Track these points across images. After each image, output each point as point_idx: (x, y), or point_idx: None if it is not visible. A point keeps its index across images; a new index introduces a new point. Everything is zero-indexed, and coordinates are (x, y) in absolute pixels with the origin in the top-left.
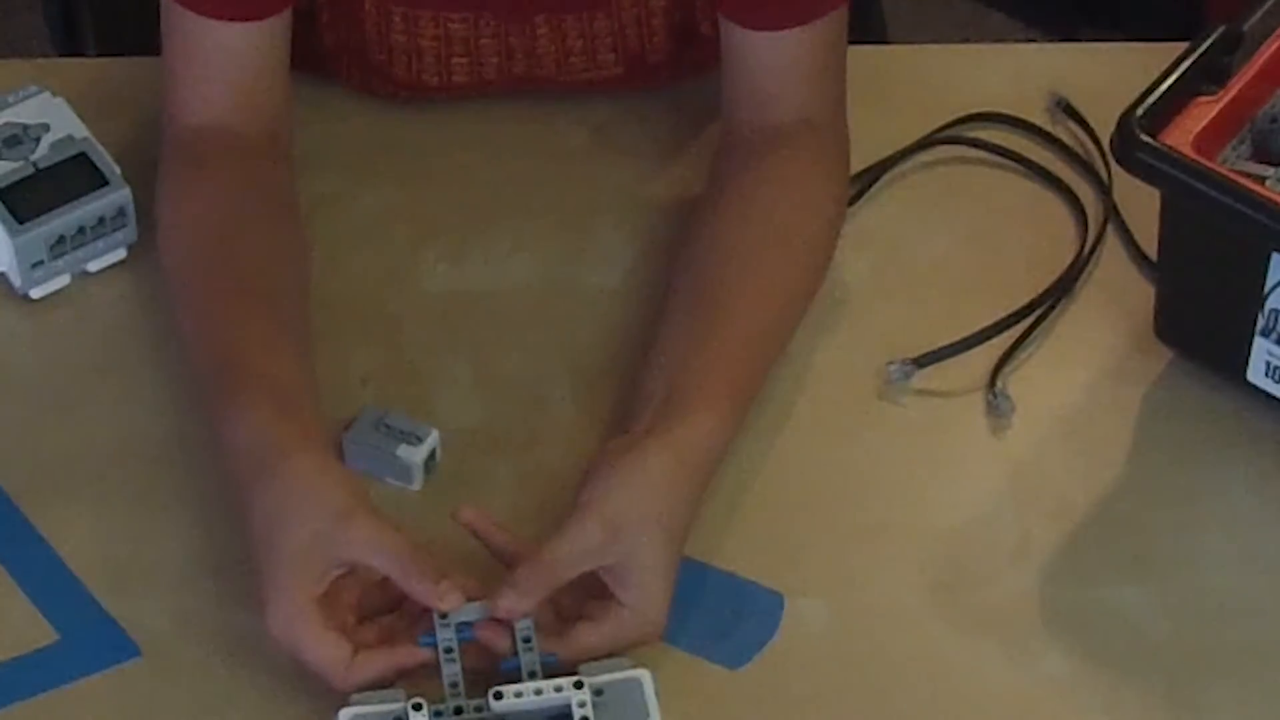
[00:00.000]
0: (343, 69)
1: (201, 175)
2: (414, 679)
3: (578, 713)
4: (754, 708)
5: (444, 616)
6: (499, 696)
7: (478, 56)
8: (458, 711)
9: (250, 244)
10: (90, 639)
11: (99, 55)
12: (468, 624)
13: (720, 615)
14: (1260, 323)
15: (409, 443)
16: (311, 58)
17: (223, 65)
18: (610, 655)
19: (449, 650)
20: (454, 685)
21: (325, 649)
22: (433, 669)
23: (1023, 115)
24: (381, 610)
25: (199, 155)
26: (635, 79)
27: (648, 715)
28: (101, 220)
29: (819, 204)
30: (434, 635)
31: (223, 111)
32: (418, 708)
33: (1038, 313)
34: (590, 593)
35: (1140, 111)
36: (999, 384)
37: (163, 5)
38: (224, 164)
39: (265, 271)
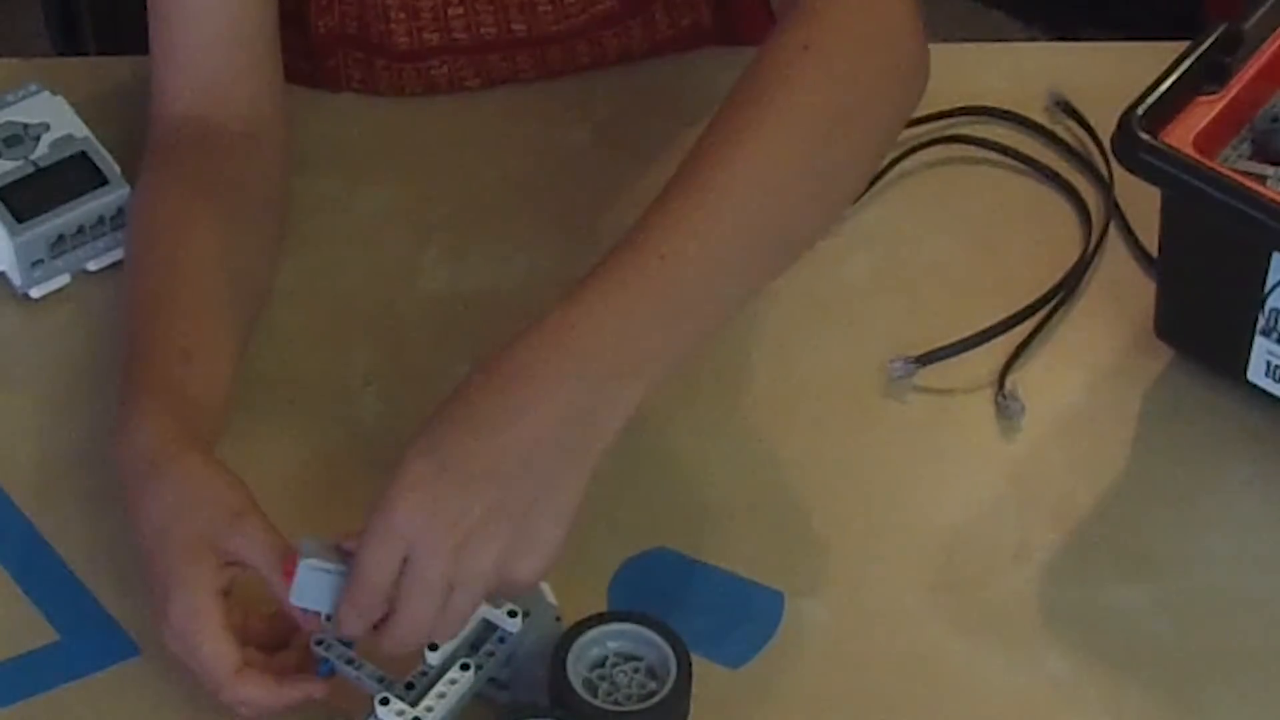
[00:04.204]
0: (340, 67)
1: (166, 170)
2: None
3: (497, 612)
4: (754, 708)
5: (320, 643)
6: (434, 647)
7: (474, 4)
8: (409, 687)
9: (197, 247)
10: (90, 639)
11: (99, 55)
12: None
13: (720, 615)
14: (1260, 322)
15: None
16: (306, 70)
17: (198, 43)
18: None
19: (350, 661)
20: (380, 680)
21: (220, 647)
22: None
23: (1022, 114)
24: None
25: (170, 148)
26: (632, 12)
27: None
28: (101, 220)
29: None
30: (328, 662)
31: (196, 98)
32: (385, 702)
33: (1043, 312)
34: None
35: (1141, 111)
36: (1008, 386)
37: None
38: (190, 159)
39: (205, 277)
